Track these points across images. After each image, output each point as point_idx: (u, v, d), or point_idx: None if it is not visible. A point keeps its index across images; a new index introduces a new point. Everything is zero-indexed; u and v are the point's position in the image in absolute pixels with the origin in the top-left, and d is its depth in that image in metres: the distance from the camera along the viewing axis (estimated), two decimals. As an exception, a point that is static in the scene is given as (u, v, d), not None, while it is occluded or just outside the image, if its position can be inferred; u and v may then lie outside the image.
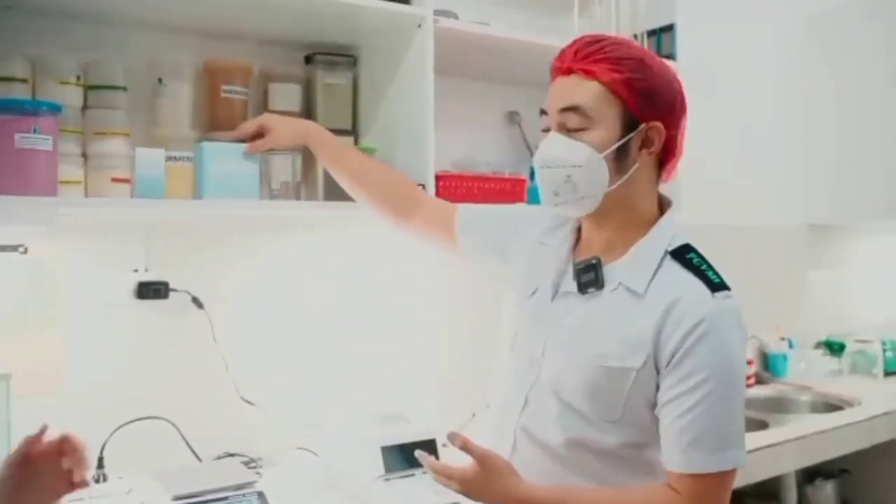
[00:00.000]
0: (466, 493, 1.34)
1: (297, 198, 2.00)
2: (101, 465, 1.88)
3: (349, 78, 2.17)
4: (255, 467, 2.03)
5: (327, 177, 1.98)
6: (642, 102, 1.29)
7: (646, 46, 2.46)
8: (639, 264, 1.32)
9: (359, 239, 2.28)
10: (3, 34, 1.73)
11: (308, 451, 2.06)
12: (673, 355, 1.26)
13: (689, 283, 1.29)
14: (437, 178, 1.97)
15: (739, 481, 2.34)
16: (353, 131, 2.16)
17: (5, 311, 1.85)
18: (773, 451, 2.44)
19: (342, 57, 2.16)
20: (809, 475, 3.10)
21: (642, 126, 1.30)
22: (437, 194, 1.97)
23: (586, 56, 1.30)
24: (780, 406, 3.01)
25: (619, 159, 1.31)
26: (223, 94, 1.99)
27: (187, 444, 1.98)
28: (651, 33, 2.49)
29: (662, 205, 1.41)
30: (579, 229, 1.45)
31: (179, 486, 1.64)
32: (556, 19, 2.41)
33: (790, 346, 3.33)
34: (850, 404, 2.90)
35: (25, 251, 1.87)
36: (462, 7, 2.15)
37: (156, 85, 1.93)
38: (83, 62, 1.83)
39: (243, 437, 2.06)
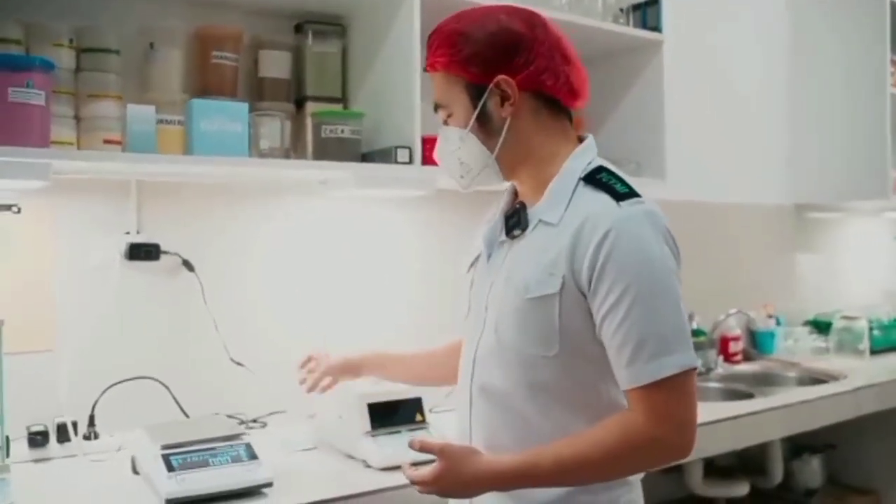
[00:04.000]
0: (447, 493, 1.36)
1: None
2: (92, 422, 1.92)
3: (338, 46, 2.21)
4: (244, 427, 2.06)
5: (317, 141, 2.02)
6: (473, 68, 1.34)
7: (631, 20, 2.51)
8: (554, 198, 1.35)
9: (346, 203, 2.31)
10: (-1, 0, 1.76)
11: (297, 411, 2.09)
12: (591, 273, 1.25)
13: (596, 200, 1.30)
14: (424, 140, 2.00)
15: (723, 448, 2.40)
16: (343, 98, 2.20)
17: (-1, 269, 1.89)
18: (757, 419, 2.46)
19: (332, 26, 2.20)
20: (796, 450, 3.14)
21: (489, 86, 1.34)
22: (424, 156, 2.01)
23: (428, 52, 1.41)
24: (766, 380, 3.03)
25: (486, 124, 1.37)
26: (214, 60, 2.03)
27: (178, 403, 2.01)
28: (636, 7, 2.53)
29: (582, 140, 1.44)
30: (516, 192, 1.48)
31: (168, 437, 1.66)
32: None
33: (778, 323, 3.36)
34: (836, 378, 2.92)
35: (19, 211, 1.90)
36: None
37: (148, 50, 1.96)
38: (76, 26, 1.86)
39: (233, 398, 2.10)
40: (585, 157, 1.38)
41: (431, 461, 1.34)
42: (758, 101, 3.53)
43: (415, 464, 1.38)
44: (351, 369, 1.85)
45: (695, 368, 1.26)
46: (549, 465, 1.27)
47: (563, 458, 1.27)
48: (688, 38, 3.04)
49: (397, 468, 1.72)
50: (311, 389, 1.85)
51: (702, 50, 3.24)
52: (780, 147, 3.62)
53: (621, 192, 1.30)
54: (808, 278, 3.71)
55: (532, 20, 1.37)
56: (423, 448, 1.34)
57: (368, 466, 1.81)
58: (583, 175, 1.34)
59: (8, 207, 1.89)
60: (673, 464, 1.33)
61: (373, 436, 1.84)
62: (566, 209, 1.32)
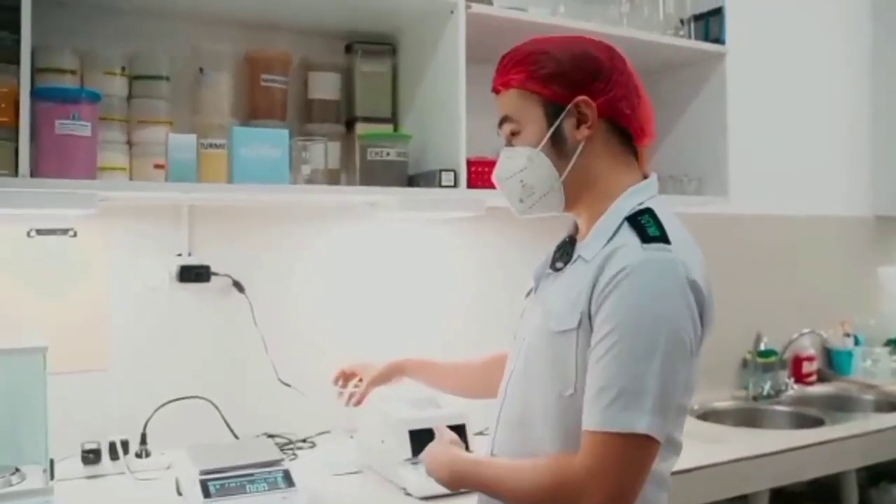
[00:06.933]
0: (430, 470, 1.45)
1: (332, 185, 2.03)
2: (143, 441, 1.96)
3: (388, 66, 2.20)
4: (291, 448, 2.08)
5: (363, 164, 2.02)
6: (554, 86, 1.32)
7: (692, 31, 2.43)
8: (596, 236, 1.32)
9: (397, 223, 2.31)
10: (55, 29, 1.81)
11: (343, 434, 2.10)
12: (597, 305, 1.23)
13: (626, 239, 1.26)
14: (469, 163, 1.98)
15: (788, 480, 2.29)
16: (393, 118, 2.19)
17: (56, 291, 1.95)
18: (828, 449, 2.35)
19: (381, 45, 2.19)
20: (874, 477, 2.97)
21: (568, 107, 1.32)
22: (469, 179, 1.98)
23: (500, 72, 1.38)
24: (841, 404, 2.89)
25: (558, 145, 1.34)
26: (263, 83, 2.05)
27: (226, 423, 2.04)
28: (698, 18, 2.44)
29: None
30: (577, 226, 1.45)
31: (208, 461, 1.68)
32: (600, 6, 2.37)
33: (856, 342, 3.20)
34: (920, 403, 2.77)
35: (75, 234, 1.96)
36: (502, -7, 2.15)
37: (197, 75, 1.99)
38: (128, 53, 1.91)
39: (281, 419, 2.12)
40: (637, 196, 1.34)
41: None
42: (833, 111, 3.37)
43: None
44: (392, 372, 1.86)
45: (653, 440, 1.18)
46: (489, 476, 1.34)
47: (502, 475, 1.32)
48: (754, 45, 2.92)
49: (437, 497, 1.72)
50: (357, 402, 1.86)
51: (770, 55, 3.11)
52: (860, 158, 3.44)
53: (651, 234, 1.26)
54: (891, 295, 3.51)
55: (611, 52, 1.36)
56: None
57: (408, 494, 1.80)
58: (628, 215, 1.31)
59: (64, 231, 1.96)
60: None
61: (413, 463, 1.82)
62: (603, 247, 1.29)
